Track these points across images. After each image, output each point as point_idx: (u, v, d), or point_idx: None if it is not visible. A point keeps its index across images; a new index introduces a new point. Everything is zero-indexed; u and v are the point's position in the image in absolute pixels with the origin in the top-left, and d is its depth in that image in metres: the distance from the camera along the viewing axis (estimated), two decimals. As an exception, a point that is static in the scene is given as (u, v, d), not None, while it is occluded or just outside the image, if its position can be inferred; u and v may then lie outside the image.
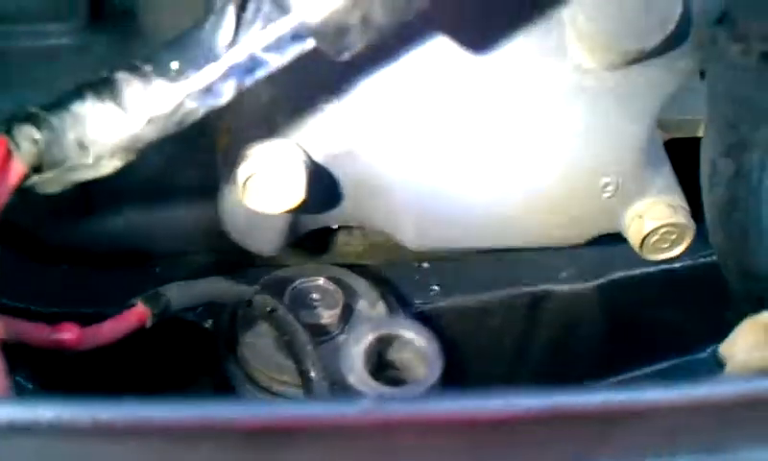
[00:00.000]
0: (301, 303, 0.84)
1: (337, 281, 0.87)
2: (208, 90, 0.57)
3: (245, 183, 0.76)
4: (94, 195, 0.91)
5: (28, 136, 0.57)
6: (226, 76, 0.57)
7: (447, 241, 0.88)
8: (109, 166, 0.58)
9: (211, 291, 0.77)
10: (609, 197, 0.85)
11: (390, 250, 0.95)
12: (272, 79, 0.62)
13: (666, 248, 0.88)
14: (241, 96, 0.60)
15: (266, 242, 0.86)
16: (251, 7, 0.56)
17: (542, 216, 0.86)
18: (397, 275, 0.95)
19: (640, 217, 0.86)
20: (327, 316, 0.84)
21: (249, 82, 0.58)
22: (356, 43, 0.56)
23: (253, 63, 0.57)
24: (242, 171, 0.76)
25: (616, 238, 0.92)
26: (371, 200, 0.84)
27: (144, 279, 0.86)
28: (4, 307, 0.75)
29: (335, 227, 0.91)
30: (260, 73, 0.58)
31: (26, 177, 0.57)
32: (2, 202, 0.55)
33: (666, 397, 0.52)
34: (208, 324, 0.87)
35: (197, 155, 0.87)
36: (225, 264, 0.93)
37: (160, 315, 0.71)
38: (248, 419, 0.45)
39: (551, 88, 0.76)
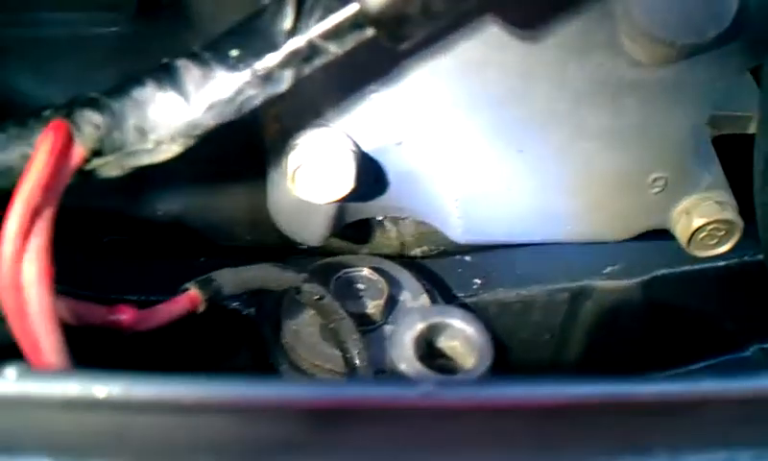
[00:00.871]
0: (347, 292, 0.85)
1: (381, 272, 0.87)
2: (267, 78, 0.58)
3: (294, 173, 0.77)
4: (142, 183, 0.92)
5: (89, 121, 0.57)
6: (285, 64, 0.58)
7: (493, 235, 0.88)
8: (168, 152, 0.59)
9: (260, 278, 0.78)
10: (657, 192, 0.85)
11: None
12: (322, 66, 0.62)
13: (714, 244, 0.87)
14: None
15: (312, 232, 0.87)
16: (311, -5, 0.56)
17: (591, 211, 0.86)
18: (440, 267, 0.95)
19: (688, 213, 0.85)
20: (372, 306, 0.84)
21: (307, 70, 0.58)
22: (415, 32, 0.56)
23: (312, 52, 0.57)
24: (291, 161, 0.77)
25: (660, 234, 0.91)
26: (417, 191, 0.85)
27: (188, 268, 0.86)
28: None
29: (379, 217, 0.91)
30: (319, 61, 0.58)
31: (86, 160, 0.58)
32: (63, 184, 0.56)
33: (723, 388, 0.52)
34: (250, 311, 0.88)
35: (244, 143, 0.87)
36: (266, 253, 0.94)
37: (211, 300, 0.72)
38: (312, 398, 0.46)
39: (604, 83, 0.76)
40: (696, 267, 0.94)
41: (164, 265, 0.91)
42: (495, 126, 0.79)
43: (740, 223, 0.85)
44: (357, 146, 0.78)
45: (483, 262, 0.95)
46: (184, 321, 0.75)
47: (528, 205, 0.84)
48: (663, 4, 0.70)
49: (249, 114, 0.63)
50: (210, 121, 0.58)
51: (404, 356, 0.63)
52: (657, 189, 0.84)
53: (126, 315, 0.60)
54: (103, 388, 0.44)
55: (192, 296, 0.69)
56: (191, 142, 0.59)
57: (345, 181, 0.77)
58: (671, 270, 0.94)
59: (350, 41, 0.57)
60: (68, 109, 0.58)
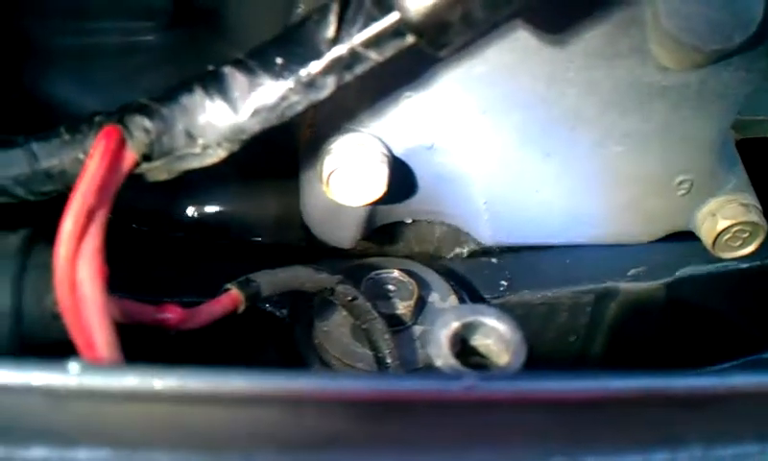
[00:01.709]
0: (377, 293, 0.86)
1: (411, 274, 0.89)
2: (311, 85, 0.60)
3: (329, 177, 0.79)
4: (181, 186, 0.94)
5: (140, 126, 0.60)
6: (327, 71, 0.60)
7: (522, 237, 0.89)
8: (215, 156, 0.61)
9: (297, 279, 0.80)
10: (683, 195, 0.86)
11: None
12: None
13: (738, 246, 0.88)
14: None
15: (344, 235, 0.89)
16: (353, 4, 0.58)
17: (617, 213, 0.87)
18: (467, 269, 0.96)
19: (713, 215, 0.87)
20: (402, 307, 0.86)
21: (348, 77, 0.60)
22: (456, 40, 0.58)
23: (354, 59, 0.59)
24: (327, 165, 0.79)
25: (684, 237, 0.93)
26: (446, 194, 0.86)
27: (222, 270, 0.88)
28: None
29: (409, 220, 0.92)
30: (360, 69, 0.60)
31: (137, 164, 0.60)
32: (116, 188, 0.58)
33: (755, 382, 0.53)
34: (282, 312, 0.90)
35: (274, 146, 0.89)
36: (297, 255, 0.96)
37: (251, 300, 0.74)
38: (361, 391, 0.48)
39: (631, 87, 0.77)
40: (720, 268, 0.95)
41: (197, 267, 0.93)
42: (524, 130, 0.81)
43: (765, 225, 0.87)
44: (389, 150, 0.80)
45: (509, 264, 0.96)
46: (219, 321, 0.77)
47: (556, 207, 0.86)
48: (691, 10, 0.72)
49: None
50: (255, 126, 0.60)
51: (440, 354, 0.65)
52: (682, 192, 0.85)
53: (173, 314, 0.62)
54: (160, 381, 0.46)
55: (233, 296, 0.70)
56: (236, 147, 0.61)
57: (377, 184, 0.78)
58: (695, 271, 0.95)
59: (391, 49, 0.59)
60: (120, 115, 0.60)
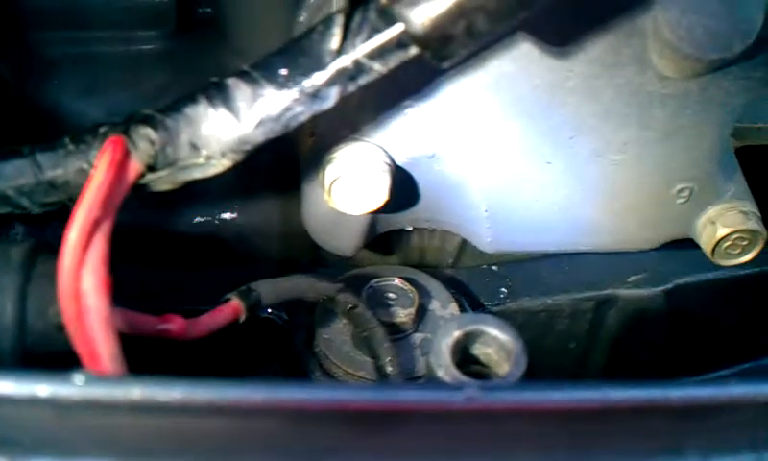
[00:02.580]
0: (378, 301, 0.87)
1: (411, 282, 0.89)
2: (315, 95, 0.60)
3: (331, 186, 0.79)
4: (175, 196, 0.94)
5: (144, 137, 0.60)
6: (332, 82, 0.60)
7: (522, 245, 0.90)
8: (219, 166, 0.61)
9: (298, 288, 0.80)
10: (682, 203, 0.86)
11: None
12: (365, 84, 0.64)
13: (738, 253, 0.89)
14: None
15: (346, 243, 0.89)
16: (357, 16, 0.59)
17: (617, 221, 0.87)
18: (467, 277, 0.97)
19: (713, 223, 0.87)
20: (403, 315, 0.86)
21: (352, 88, 0.61)
22: (459, 52, 0.58)
23: (358, 70, 0.60)
24: (329, 174, 0.79)
25: (683, 244, 0.93)
26: (447, 202, 0.87)
27: (219, 280, 0.88)
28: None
29: (409, 229, 0.93)
30: (364, 80, 0.60)
31: (141, 175, 0.61)
32: (121, 198, 0.59)
33: (752, 392, 0.54)
34: (282, 321, 0.90)
35: (274, 156, 0.90)
36: (294, 265, 0.96)
37: (251, 310, 0.74)
38: (358, 400, 0.48)
39: (632, 96, 0.78)
40: (719, 276, 0.95)
41: (197, 276, 0.94)
42: (524, 138, 0.81)
43: (764, 232, 0.87)
44: (391, 159, 0.80)
45: (509, 272, 0.97)
46: (220, 331, 0.77)
47: (556, 215, 0.86)
48: (691, 21, 0.72)
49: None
50: (260, 137, 0.61)
51: (442, 363, 0.65)
52: (682, 199, 0.86)
53: (175, 325, 0.63)
54: (164, 392, 0.46)
55: (234, 306, 0.71)
56: (240, 157, 0.61)
57: (379, 193, 0.79)
58: (694, 278, 0.96)
59: (395, 60, 0.60)
60: (124, 126, 0.60)
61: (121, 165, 0.57)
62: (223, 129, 0.60)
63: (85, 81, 0.91)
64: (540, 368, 0.99)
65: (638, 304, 0.94)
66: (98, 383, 0.46)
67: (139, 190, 0.61)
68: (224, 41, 0.94)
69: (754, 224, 0.86)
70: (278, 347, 0.90)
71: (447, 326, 0.67)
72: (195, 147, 0.60)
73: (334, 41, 0.59)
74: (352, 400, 0.47)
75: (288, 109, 0.60)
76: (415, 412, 0.48)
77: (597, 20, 0.73)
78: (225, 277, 0.85)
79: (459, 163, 0.82)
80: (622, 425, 0.54)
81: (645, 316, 0.97)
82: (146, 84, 0.92)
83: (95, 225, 0.55)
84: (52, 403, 0.45)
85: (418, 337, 0.87)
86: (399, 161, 0.81)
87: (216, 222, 0.95)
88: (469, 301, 0.93)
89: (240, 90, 0.60)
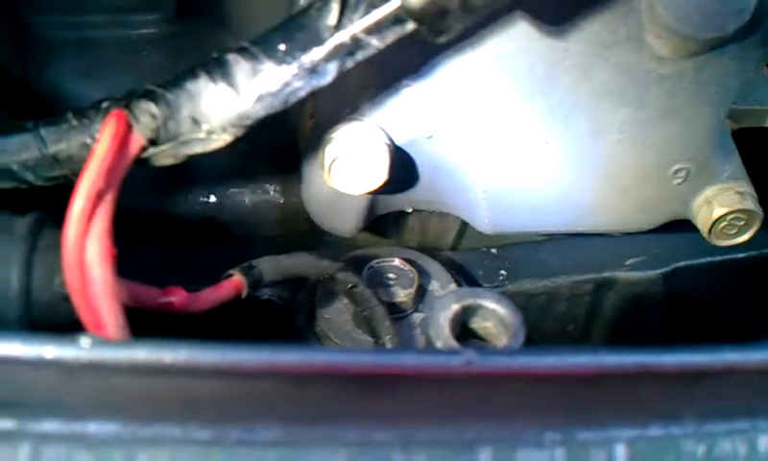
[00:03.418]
0: (378, 281, 0.87)
1: (411, 262, 0.90)
2: (313, 71, 0.61)
3: (331, 165, 0.80)
4: (177, 176, 0.95)
5: (146, 111, 0.61)
6: (330, 57, 0.61)
7: (520, 226, 0.90)
8: (220, 140, 0.62)
9: (298, 265, 0.81)
10: (679, 183, 0.87)
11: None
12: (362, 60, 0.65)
13: (734, 234, 0.90)
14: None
15: (346, 224, 0.90)
16: (355, -9, 0.60)
17: (614, 202, 0.88)
18: (467, 259, 0.98)
19: (709, 203, 0.88)
20: (403, 295, 0.87)
21: (350, 63, 0.61)
22: (455, 26, 0.59)
23: (356, 46, 0.61)
24: (328, 153, 0.80)
25: (682, 227, 0.94)
26: (445, 183, 0.87)
27: (220, 258, 0.89)
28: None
29: (409, 210, 0.94)
30: (361, 55, 0.61)
31: (144, 149, 0.62)
32: (123, 171, 0.60)
33: (746, 358, 0.55)
34: (283, 301, 0.91)
35: (273, 136, 0.90)
36: (295, 246, 0.97)
37: (253, 286, 0.75)
38: (358, 364, 0.49)
39: (628, 76, 0.78)
40: (717, 258, 0.96)
41: (198, 255, 0.94)
42: (522, 118, 0.82)
43: (760, 213, 0.88)
44: (390, 139, 0.81)
45: (508, 254, 0.97)
46: (219, 309, 0.78)
47: (553, 196, 0.87)
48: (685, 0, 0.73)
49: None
50: (259, 112, 0.62)
51: (440, 336, 0.66)
52: (679, 180, 0.87)
53: (177, 298, 0.63)
54: (169, 354, 0.47)
55: (236, 281, 0.72)
56: (240, 132, 0.62)
57: (379, 173, 0.80)
58: (693, 261, 0.97)
59: (392, 35, 0.61)
60: (126, 101, 0.61)
61: (123, 138, 0.58)
62: (223, 103, 0.61)
63: (85, 65, 0.91)
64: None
65: (637, 287, 0.95)
66: (104, 345, 0.47)
67: (141, 165, 0.62)
68: (222, 25, 0.95)
69: (750, 204, 0.87)
70: (279, 327, 0.91)
71: (446, 299, 0.68)
72: (196, 121, 0.61)
73: (332, 17, 0.60)
74: (353, 363, 0.48)
75: (287, 84, 0.61)
76: (414, 376, 0.49)
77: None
78: (225, 256, 0.86)
79: (457, 144, 0.83)
80: (618, 391, 0.55)
81: (643, 299, 0.98)
82: (145, 69, 0.93)
83: (99, 196, 0.56)
84: (58, 365, 0.46)
85: (417, 317, 0.88)
86: (398, 142, 0.82)
87: (217, 202, 0.96)
88: (468, 282, 0.94)
89: (240, 66, 0.61)
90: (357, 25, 0.60)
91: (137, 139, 0.60)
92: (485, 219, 0.89)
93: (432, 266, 0.92)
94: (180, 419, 0.50)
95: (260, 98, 0.61)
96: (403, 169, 0.84)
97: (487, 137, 0.82)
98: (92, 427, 0.48)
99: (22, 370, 0.47)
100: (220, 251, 0.95)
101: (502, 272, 0.96)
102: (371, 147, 0.79)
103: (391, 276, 0.88)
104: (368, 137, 0.80)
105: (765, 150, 0.93)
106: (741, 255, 0.96)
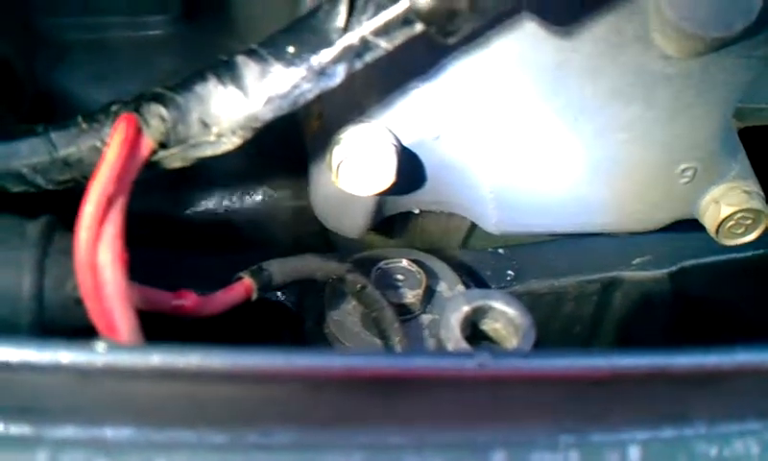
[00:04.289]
0: (386, 282, 0.87)
1: (419, 263, 0.90)
2: (322, 73, 0.61)
3: (338, 167, 0.80)
4: (183, 181, 0.95)
5: (156, 114, 0.61)
6: (338, 59, 0.61)
7: (528, 226, 0.90)
8: (229, 143, 0.62)
9: (307, 267, 0.81)
10: (686, 182, 0.87)
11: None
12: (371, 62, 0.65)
13: (741, 233, 0.89)
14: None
15: (353, 225, 0.90)
16: (363, -7, 0.60)
17: (622, 202, 0.88)
18: (474, 259, 0.98)
19: (716, 203, 0.88)
20: (411, 296, 0.87)
21: (359, 65, 0.61)
22: (464, 27, 0.59)
23: (364, 47, 0.61)
24: (336, 155, 0.80)
25: (688, 226, 0.94)
26: (452, 184, 0.87)
27: (230, 261, 0.89)
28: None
29: (416, 211, 0.94)
30: (370, 57, 0.61)
31: (154, 152, 0.62)
32: (134, 175, 0.60)
33: (757, 360, 0.55)
34: (291, 303, 0.91)
35: (282, 142, 0.90)
36: (304, 249, 0.97)
37: (263, 288, 0.75)
38: (372, 367, 0.49)
39: (635, 76, 0.78)
40: (724, 258, 0.96)
41: (208, 259, 0.94)
42: (530, 119, 0.82)
43: (767, 212, 0.88)
44: (398, 140, 0.81)
45: (516, 254, 0.97)
46: (229, 311, 0.78)
47: (561, 196, 0.87)
48: (693, -1, 0.73)
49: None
50: (268, 114, 0.62)
51: (451, 337, 0.66)
52: (685, 179, 0.87)
53: (189, 301, 0.63)
54: (184, 359, 0.47)
55: (246, 284, 0.72)
56: (250, 134, 0.62)
57: (387, 174, 0.80)
58: (699, 261, 0.97)
59: (401, 37, 0.61)
60: (136, 104, 0.61)
61: (134, 142, 0.58)
62: (232, 106, 0.61)
63: (94, 66, 0.92)
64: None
65: (643, 287, 0.95)
66: (119, 350, 0.47)
67: (152, 168, 0.62)
68: (231, 25, 0.95)
69: (757, 203, 0.87)
70: (289, 329, 0.91)
71: (456, 300, 0.68)
72: (205, 124, 0.61)
73: (340, 19, 0.60)
74: (366, 366, 0.48)
75: (296, 86, 0.61)
76: (428, 379, 0.49)
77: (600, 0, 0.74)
78: (235, 260, 0.86)
79: (464, 145, 0.83)
80: (631, 393, 0.55)
81: (650, 298, 0.98)
82: (154, 69, 0.93)
83: (110, 200, 0.56)
84: (73, 371, 0.46)
85: (425, 318, 0.87)
86: (406, 143, 0.82)
87: (227, 205, 0.96)
88: (476, 283, 0.94)
89: (248, 68, 0.61)
90: (366, 27, 0.60)
91: (147, 143, 0.60)
92: (492, 219, 0.89)
93: (439, 267, 0.92)
94: (196, 423, 0.50)
95: (269, 100, 0.61)
96: (411, 170, 0.84)
97: (495, 138, 0.82)
98: (109, 432, 0.48)
99: (38, 376, 0.47)
100: (231, 253, 0.95)
101: (509, 272, 0.96)
102: (378, 148, 0.79)
103: (399, 277, 0.88)
104: (375, 139, 0.80)
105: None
106: (748, 254, 0.96)
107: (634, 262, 0.95)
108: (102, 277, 0.55)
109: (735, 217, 0.88)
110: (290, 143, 0.92)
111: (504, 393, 0.52)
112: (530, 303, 0.94)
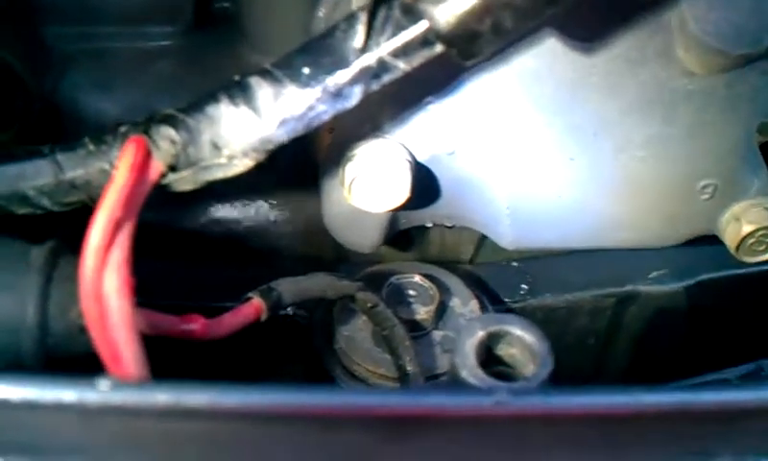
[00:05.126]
0: (398, 298, 0.86)
1: (431, 278, 0.89)
2: (338, 94, 0.59)
3: (351, 183, 0.78)
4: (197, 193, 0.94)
5: (166, 137, 0.59)
6: (355, 80, 0.59)
7: (544, 242, 0.89)
8: (241, 166, 0.61)
9: (317, 287, 0.79)
10: (706, 199, 0.86)
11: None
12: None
13: (762, 250, 0.88)
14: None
15: (366, 240, 0.88)
16: (381, 13, 0.58)
17: (640, 218, 0.86)
18: (488, 273, 0.96)
19: (737, 220, 0.86)
20: (423, 312, 0.86)
21: (376, 86, 0.60)
22: (485, 50, 0.57)
23: (382, 69, 0.59)
24: (349, 171, 0.78)
25: (705, 240, 0.92)
26: (467, 199, 0.86)
27: (241, 275, 0.88)
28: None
29: (430, 225, 0.92)
30: (388, 78, 0.59)
31: (163, 175, 0.60)
32: (142, 199, 0.58)
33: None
34: (302, 320, 0.89)
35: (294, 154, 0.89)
36: (316, 263, 0.96)
37: (273, 309, 0.74)
38: (385, 406, 0.47)
39: (656, 92, 0.77)
40: (741, 272, 0.94)
41: (219, 273, 0.93)
42: (547, 135, 0.80)
43: (789, 229, 0.86)
44: (412, 156, 0.80)
45: (530, 268, 0.96)
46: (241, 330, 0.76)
47: (578, 212, 0.85)
48: (718, 15, 0.71)
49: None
50: (282, 136, 0.60)
51: (466, 364, 0.64)
52: (706, 196, 0.85)
53: (197, 325, 0.62)
54: (191, 398, 0.46)
55: (256, 305, 0.70)
56: (262, 157, 0.61)
57: (400, 190, 0.78)
58: (716, 275, 0.95)
59: (419, 58, 0.59)
60: (145, 126, 0.59)
61: (142, 166, 0.57)
62: (245, 128, 0.59)
63: (102, 77, 0.90)
64: (558, 364, 0.98)
65: (659, 301, 0.94)
66: (123, 389, 0.46)
67: (161, 190, 0.61)
68: (241, 36, 0.94)
69: (779, 221, 0.85)
70: (299, 345, 0.90)
71: (471, 326, 0.66)
72: (217, 147, 0.59)
73: (358, 39, 0.58)
74: (380, 405, 0.46)
75: (311, 108, 0.59)
76: (443, 417, 0.48)
77: (622, 16, 0.72)
78: (247, 275, 0.84)
79: (480, 160, 0.82)
80: (653, 430, 0.53)
81: (666, 312, 0.96)
82: (163, 81, 0.92)
83: (117, 226, 0.54)
84: (77, 409, 0.45)
85: (438, 335, 0.86)
86: (420, 158, 0.81)
87: (237, 219, 0.95)
88: (489, 297, 0.93)
89: (262, 89, 0.59)
90: (384, 48, 0.58)
91: (157, 166, 0.59)
92: (508, 236, 0.87)
93: (452, 282, 0.90)
94: (203, 461, 0.48)
95: (283, 122, 0.60)
96: (425, 185, 0.83)
97: (511, 153, 0.81)
98: (112, 471, 0.47)
99: (40, 413, 0.46)
100: (241, 267, 0.94)
101: (523, 286, 0.94)
102: (392, 165, 0.78)
103: (411, 292, 0.87)
104: (389, 155, 0.78)
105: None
106: (765, 269, 0.94)
107: (649, 276, 0.93)
108: (107, 305, 0.53)
109: (756, 234, 0.86)
110: (302, 155, 0.90)
111: (522, 429, 0.51)
112: (543, 316, 0.93)
